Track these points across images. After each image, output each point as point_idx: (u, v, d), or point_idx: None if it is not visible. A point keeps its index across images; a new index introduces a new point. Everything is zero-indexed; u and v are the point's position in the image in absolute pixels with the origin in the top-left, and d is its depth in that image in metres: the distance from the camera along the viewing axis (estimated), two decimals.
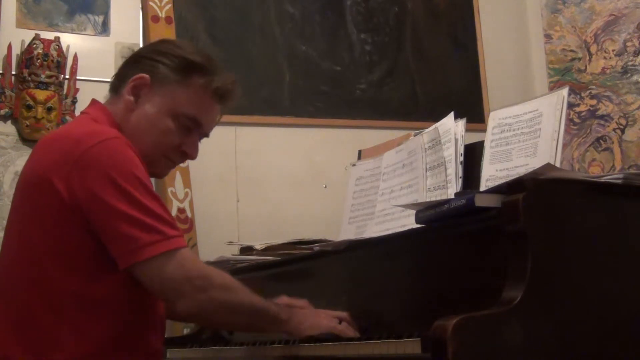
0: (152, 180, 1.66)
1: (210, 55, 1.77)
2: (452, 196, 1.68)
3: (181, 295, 1.51)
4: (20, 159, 2.56)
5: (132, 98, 1.65)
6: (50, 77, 2.56)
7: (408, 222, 1.80)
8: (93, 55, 2.69)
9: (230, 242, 2.47)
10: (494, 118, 1.86)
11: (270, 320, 1.63)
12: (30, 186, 1.56)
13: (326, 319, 1.66)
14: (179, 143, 1.69)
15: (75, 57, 2.65)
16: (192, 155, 1.74)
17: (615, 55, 3.10)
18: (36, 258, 1.51)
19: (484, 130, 1.88)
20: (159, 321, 1.68)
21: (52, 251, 1.50)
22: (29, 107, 2.54)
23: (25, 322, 1.50)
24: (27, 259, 1.53)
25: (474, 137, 1.94)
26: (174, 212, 2.58)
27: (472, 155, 1.87)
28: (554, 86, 3.18)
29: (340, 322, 1.66)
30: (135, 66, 1.68)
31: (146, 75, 1.65)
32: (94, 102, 1.73)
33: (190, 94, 1.67)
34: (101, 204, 1.46)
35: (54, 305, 1.49)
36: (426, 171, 1.91)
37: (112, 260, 1.50)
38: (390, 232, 1.85)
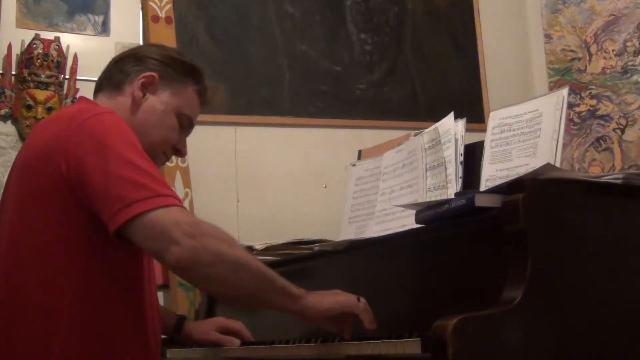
0: None
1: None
2: (452, 196, 1.68)
3: (171, 241, 1.41)
4: None
5: (141, 94, 1.70)
6: (50, 77, 2.56)
7: (408, 222, 1.80)
8: (93, 55, 2.69)
9: None
10: (494, 118, 1.86)
11: (278, 291, 1.51)
12: (28, 166, 1.57)
13: (344, 296, 1.56)
14: (177, 141, 1.77)
15: (75, 57, 2.65)
16: (184, 153, 1.81)
17: (615, 55, 3.10)
18: (35, 239, 1.52)
19: (484, 130, 1.88)
20: (155, 314, 1.68)
21: (51, 231, 1.51)
22: (29, 107, 2.54)
23: (19, 310, 1.50)
24: (25, 242, 1.53)
25: (474, 137, 1.94)
26: None
27: (472, 155, 1.87)
28: (554, 86, 3.18)
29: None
30: (140, 64, 1.73)
31: (156, 74, 1.71)
32: (81, 99, 1.76)
33: (189, 97, 1.76)
34: (92, 168, 1.47)
35: (51, 288, 1.49)
36: (426, 171, 1.91)
37: (108, 243, 1.48)
38: (390, 232, 1.85)
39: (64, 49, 2.62)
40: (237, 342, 1.86)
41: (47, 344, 1.48)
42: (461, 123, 1.89)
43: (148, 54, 1.77)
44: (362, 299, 1.56)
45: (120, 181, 1.45)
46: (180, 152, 1.80)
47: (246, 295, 1.52)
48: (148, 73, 1.71)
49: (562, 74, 3.22)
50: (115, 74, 1.74)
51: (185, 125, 1.77)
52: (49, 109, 2.55)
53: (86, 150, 1.48)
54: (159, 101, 1.71)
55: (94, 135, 1.50)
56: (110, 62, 1.78)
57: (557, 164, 1.62)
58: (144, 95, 1.71)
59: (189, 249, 1.41)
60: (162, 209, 1.43)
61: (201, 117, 1.88)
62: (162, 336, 1.92)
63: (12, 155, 2.55)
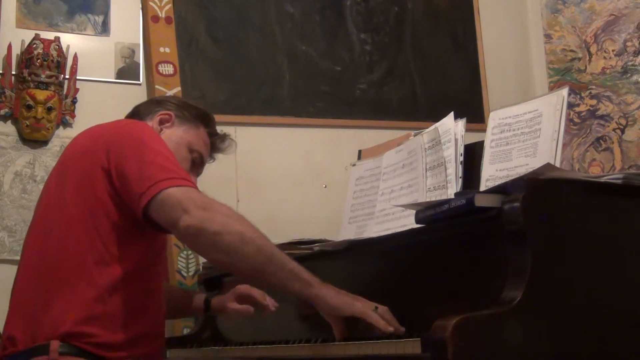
0: None
1: None
2: (452, 196, 1.68)
3: (183, 211, 1.57)
4: (20, 159, 2.56)
5: (159, 127, 1.94)
6: (50, 77, 2.56)
7: (408, 222, 1.80)
8: (93, 55, 2.69)
9: None
10: (494, 118, 1.86)
11: (288, 273, 1.58)
12: (71, 162, 1.77)
13: (360, 302, 1.58)
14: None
15: (75, 57, 2.65)
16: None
17: (615, 55, 3.10)
18: (63, 214, 1.70)
19: (484, 130, 1.88)
20: (161, 304, 1.82)
21: (79, 207, 1.69)
22: (29, 107, 2.54)
23: (47, 274, 1.68)
24: (55, 215, 1.72)
25: (474, 137, 1.94)
26: None
27: (472, 155, 1.87)
28: (554, 86, 3.18)
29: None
30: (159, 106, 2.00)
31: (172, 113, 1.97)
32: None
33: (200, 136, 2.01)
34: (130, 159, 1.67)
35: (74, 269, 1.66)
36: (426, 171, 1.91)
37: (133, 233, 1.68)
38: (390, 232, 1.85)
39: (64, 49, 2.62)
40: (252, 310, 1.94)
41: (65, 309, 1.63)
42: (461, 123, 1.89)
43: (167, 99, 2.12)
44: (381, 308, 1.56)
45: (151, 166, 1.64)
46: None
47: (253, 269, 1.61)
48: (165, 111, 1.97)
49: (562, 74, 3.22)
50: (138, 113, 1.99)
51: (197, 161, 1.99)
52: (49, 109, 2.55)
53: (125, 146, 1.70)
54: (174, 134, 1.94)
55: (132, 134, 1.74)
56: (134, 107, 2.05)
57: (557, 164, 1.62)
58: (161, 129, 1.94)
59: (198, 217, 1.56)
60: (180, 187, 1.61)
61: None
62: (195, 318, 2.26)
63: (12, 155, 2.55)
